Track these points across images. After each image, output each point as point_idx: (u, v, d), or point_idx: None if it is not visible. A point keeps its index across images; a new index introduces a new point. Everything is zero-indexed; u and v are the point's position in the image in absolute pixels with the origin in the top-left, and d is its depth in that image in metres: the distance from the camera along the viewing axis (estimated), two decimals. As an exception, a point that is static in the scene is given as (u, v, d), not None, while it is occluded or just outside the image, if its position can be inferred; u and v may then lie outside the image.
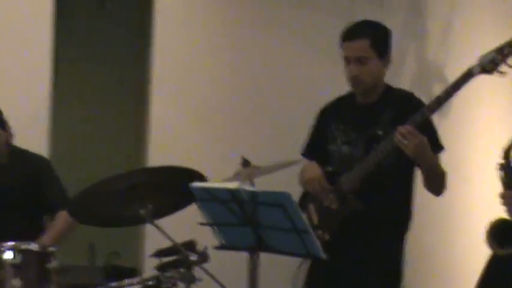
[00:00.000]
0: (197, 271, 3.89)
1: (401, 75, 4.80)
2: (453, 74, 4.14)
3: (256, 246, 3.51)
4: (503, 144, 3.69)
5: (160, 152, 5.47)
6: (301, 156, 4.48)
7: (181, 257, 3.89)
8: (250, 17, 5.65)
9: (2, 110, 4.67)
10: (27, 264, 4.04)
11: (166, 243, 3.94)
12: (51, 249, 4.12)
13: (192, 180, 3.66)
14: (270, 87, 5.66)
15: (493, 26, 4.51)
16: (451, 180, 4.21)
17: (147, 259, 4.87)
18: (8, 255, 4.03)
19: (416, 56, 5.23)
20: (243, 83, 5.65)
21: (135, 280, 4.06)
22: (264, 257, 3.55)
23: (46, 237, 4.57)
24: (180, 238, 3.92)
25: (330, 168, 4.31)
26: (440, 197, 4.26)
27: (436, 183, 4.19)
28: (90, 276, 5.31)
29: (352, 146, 4.27)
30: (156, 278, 3.98)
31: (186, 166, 3.99)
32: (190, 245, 3.95)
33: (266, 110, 5.65)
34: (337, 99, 4.48)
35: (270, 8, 5.64)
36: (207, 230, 3.61)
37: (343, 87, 4.46)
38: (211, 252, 3.86)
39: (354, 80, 4.24)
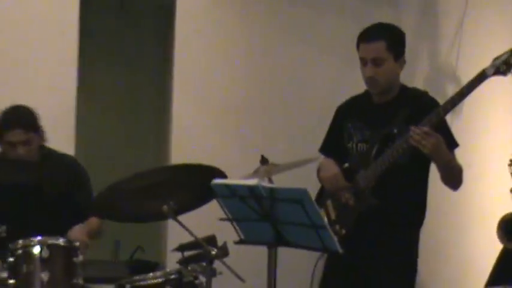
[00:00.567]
0: (218, 265, 3.87)
1: (414, 75, 4.78)
2: (465, 74, 4.12)
3: (275, 241, 3.50)
4: (514, 141, 3.64)
5: (182, 150, 5.49)
6: (317, 154, 4.47)
7: (203, 252, 3.88)
8: (267, 21, 5.67)
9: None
10: (55, 258, 4.03)
11: (188, 238, 3.92)
12: (77, 244, 4.11)
13: (213, 177, 3.63)
14: (286, 88, 5.68)
15: (506, 28, 4.48)
16: (464, 176, 4.19)
17: (169, 253, 4.88)
18: (36, 249, 4.01)
19: (429, 57, 5.21)
20: (260, 84, 5.67)
21: (158, 274, 4.07)
22: (282, 251, 3.53)
23: (77, 230, 4.48)
24: (201, 233, 3.91)
25: (346, 165, 4.29)
26: (453, 192, 4.24)
27: (453, 178, 4.18)
28: (114, 270, 5.32)
29: (368, 144, 4.25)
30: (179, 272, 4.00)
31: (207, 164, 3.99)
32: (211, 240, 3.96)
33: (283, 109, 5.66)
34: (354, 98, 4.47)
35: (286, 12, 5.66)
36: (227, 225, 3.59)
37: (357, 87, 4.45)
38: (231, 247, 3.85)
39: (370, 80, 4.23)
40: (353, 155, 4.30)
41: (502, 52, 3.91)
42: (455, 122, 4.29)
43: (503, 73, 3.90)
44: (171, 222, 4.19)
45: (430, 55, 5.21)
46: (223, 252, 3.90)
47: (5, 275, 3.97)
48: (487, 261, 3.74)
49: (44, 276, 3.97)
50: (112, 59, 6.55)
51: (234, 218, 3.55)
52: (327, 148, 4.46)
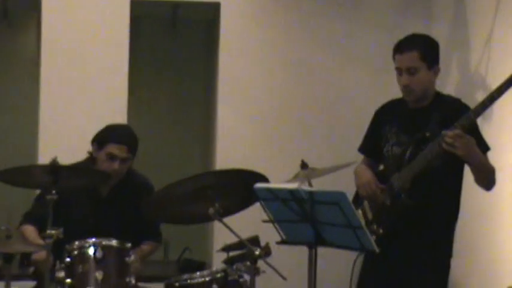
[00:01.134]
0: (261, 264, 3.85)
1: (446, 83, 4.75)
2: (494, 82, 4.09)
3: (315, 241, 3.49)
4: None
5: (226, 156, 5.49)
6: (354, 158, 4.45)
7: (247, 251, 3.84)
8: (305, 34, 5.66)
9: (87, 121, 4.66)
10: (108, 258, 4.04)
11: (232, 239, 3.93)
12: (128, 245, 4.11)
13: (255, 182, 3.64)
14: (323, 96, 5.66)
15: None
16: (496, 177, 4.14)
17: (215, 253, 4.88)
18: (91, 250, 4.04)
19: (460, 66, 5.17)
20: (297, 93, 5.66)
21: (205, 273, 4.08)
22: (322, 250, 3.53)
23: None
24: (245, 234, 3.92)
25: (381, 167, 4.28)
26: (486, 193, 4.19)
27: (486, 179, 4.12)
28: (164, 269, 5.35)
29: (403, 147, 4.22)
30: (224, 271, 4.01)
31: (250, 169, 4.00)
32: (254, 241, 3.97)
33: (321, 116, 5.65)
34: (391, 102, 4.44)
35: (323, 26, 5.63)
36: (269, 226, 3.60)
37: (391, 95, 4.44)
38: (273, 247, 3.86)
39: (405, 89, 4.21)
40: (388, 157, 4.27)
41: None
42: (486, 127, 4.25)
43: None
44: (216, 224, 4.19)
45: (460, 64, 5.18)
46: (266, 252, 3.90)
47: (62, 274, 3.97)
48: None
49: (98, 275, 3.99)
50: (163, 70, 6.61)
51: (276, 219, 3.55)
52: (365, 148, 4.45)
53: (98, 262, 4.01)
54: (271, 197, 3.50)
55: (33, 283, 4.47)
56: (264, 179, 3.85)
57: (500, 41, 4.96)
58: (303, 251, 3.54)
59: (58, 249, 4.05)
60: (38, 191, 4.63)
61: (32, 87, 5.73)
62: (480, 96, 4.50)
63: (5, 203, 5.28)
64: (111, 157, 4.40)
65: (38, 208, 4.50)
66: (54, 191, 3.95)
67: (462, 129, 3.92)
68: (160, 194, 4.04)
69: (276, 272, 3.93)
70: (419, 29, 4.76)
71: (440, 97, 4.28)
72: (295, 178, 4.17)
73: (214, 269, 4.20)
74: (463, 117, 3.97)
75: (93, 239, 4.07)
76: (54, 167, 4.02)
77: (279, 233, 3.59)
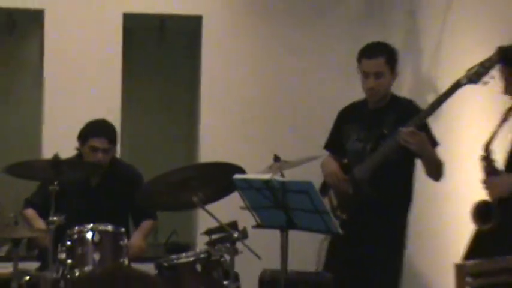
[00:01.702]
0: (239, 245, 3.87)
1: (400, 86, 4.75)
2: (444, 86, 4.10)
3: (286, 225, 3.50)
4: (484, 140, 3.62)
5: (208, 151, 5.48)
6: (321, 152, 4.44)
7: (227, 235, 3.87)
8: (275, 44, 5.64)
9: (85, 120, 4.63)
10: (104, 241, 4.04)
11: (214, 224, 3.94)
12: (122, 229, 4.10)
13: (234, 173, 3.66)
14: (295, 99, 5.64)
15: (477, 45, 4.44)
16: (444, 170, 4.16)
17: (199, 236, 4.87)
18: (89, 234, 4.04)
19: (412, 70, 5.19)
20: (273, 97, 5.64)
21: (190, 254, 4.08)
22: (292, 233, 3.53)
23: (135, 238, 4.47)
24: (225, 219, 3.91)
25: (345, 161, 4.28)
26: (435, 183, 4.21)
27: (436, 171, 4.14)
28: (154, 250, 5.32)
29: (363, 142, 4.23)
30: (207, 252, 4.00)
31: (229, 162, 3.99)
32: (233, 225, 3.94)
33: (293, 116, 5.64)
34: (352, 104, 4.44)
35: (295, 38, 5.64)
36: (246, 212, 3.60)
37: (353, 96, 4.45)
38: (250, 231, 3.83)
39: (371, 91, 4.19)
40: (351, 152, 4.27)
41: (474, 65, 3.89)
42: (436, 125, 4.26)
43: (475, 82, 3.85)
44: (200, 211, 4.19)
45: (413, 70, 5.19)
46: (244, 235, 3.88)
47: (63, 255, 3.98)
48: (463, 239, 3.72)
49: (96, 256, 4.00)
50: (152, 75, 6.59)
51: (252, 206, 3.56)
52: (330, 146, 4.44)
53: (95, 245, 4.01)
54: (247, 186, 3.51)
55: (37, 264, 4.46)
56: (241, 171, 3.84)
57: (447, 49, 4.98)
58: (275, 234, 3.54)
59: (59, 234, 4.04)
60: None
61: (35, 91, 5.70)
62: (430, 98, 4.51)
63: (12, 193, 5.24)
64: (94, 149, 4.38)
65: (38, 195, 4.50)
66: (55, 183, 3.94)
67: (415, 127, 3.93)
68: (150, 184, 4.05)
69: (252, 252, 3.94)
70: (377, 37, 4.73)
71: (396, 99, 4.29)
72: (269, 170, 4.16)
73: (198, 250, 4.21)
74: (415, 116, 3.98)
75: (91, 225, 4.05)
76: (56, 162, 4.02)
77: (255, 218, 3.59)
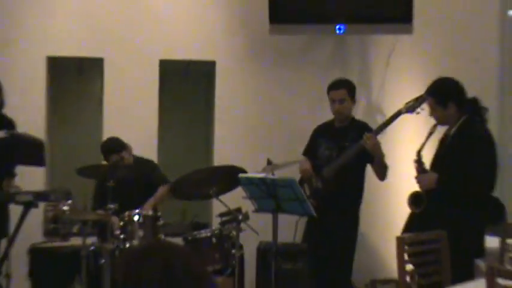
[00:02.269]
0: (242, 225, 3.87)
1: (357, 110, 4.76)
2: (389, 112, 4.10)
3: (276, 210, 3.49)
4: (416, 148, 3.65)
5: (220, 157, 5.42)
6: (301, 157, 4.44)
7: (234, 217, 3.87)
8: (270, 79, 5.51)
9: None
10: (146, 222, 4.04)
11: (224, 209, 3.94)
12: (159, 213, 4.09)
13: (239, 173, 3.65)
14: (282, 118, 5.54)
15: (413, 83, 4.46)
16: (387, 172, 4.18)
17: (214, 218, 4.85)
18: (136, 217, 4.04)
19: (365, 99, 5.19)
20: (267, 116, 5.49)
21: (207, 230, 4.05)
22: (281, 216, 3.53)
23: (148, 203, 4.43)
24: (233, 205, 3.92)
25: (317, 163, 4.28)
26: (380, 182, 4.23)
27: (382, 173, 4.15)
28: (182, 228, 5.29)
29: (330, 151, 4.24)
30: (219, 229, 3.98)
31: (235, 165, 3.97)
32: (238, 210, 3.94)
33: (283, 131, 5.50)
34: (324, 123, 4.45)
35: (282, 73, 5.52)
36: (248, 201, 3.60)
37: (324, 117, 4.43)
38: (251, 214, 3.84)
39: (337, 113, 4.22)
40: (321, 157, 4.28)
41: (411, 99, 3.93)
42: (384, 140, 4.28)
43: (411, 112, 3.89)
44: (214, 200, 4.18)
45: (366, 99, 5.16)
46: (246, 217, 3.89)
47: (118, 232, 3.99)
48: (401, 220, 3.74)
49: (140, 233, 4.00)
50: (179, 105, 6.59)
51: (252, 196, 3.55)
52: (306, 152, 4.44)
53: (140, 225, 4.01)
54: (248, 182, 3.50)
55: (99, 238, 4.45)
56: (244, 171, 3.81)
57: (391, 86, 4.99)
58: (268, 216, 3.54)
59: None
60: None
61: (98, 117, 5.68)
62: (379, 120, 4.53)
63: (81, 189, 5.26)
64: (115, 163, 4.37)
65: (99, 194, 4.50)
66: (111, 181, 3.96)
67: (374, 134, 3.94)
68: (179, 181, 4.02)
69: (252, 230, 3.95)
70: (340, 74, 4.77)
71: (354, 120, 4.30)
72: (264, 170, 4.18)
73: (213, 228, 4.20)
74: (369, 133, 4.01)
75: (137, 210, 4.04)
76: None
77: (254, 205, 3.58)
